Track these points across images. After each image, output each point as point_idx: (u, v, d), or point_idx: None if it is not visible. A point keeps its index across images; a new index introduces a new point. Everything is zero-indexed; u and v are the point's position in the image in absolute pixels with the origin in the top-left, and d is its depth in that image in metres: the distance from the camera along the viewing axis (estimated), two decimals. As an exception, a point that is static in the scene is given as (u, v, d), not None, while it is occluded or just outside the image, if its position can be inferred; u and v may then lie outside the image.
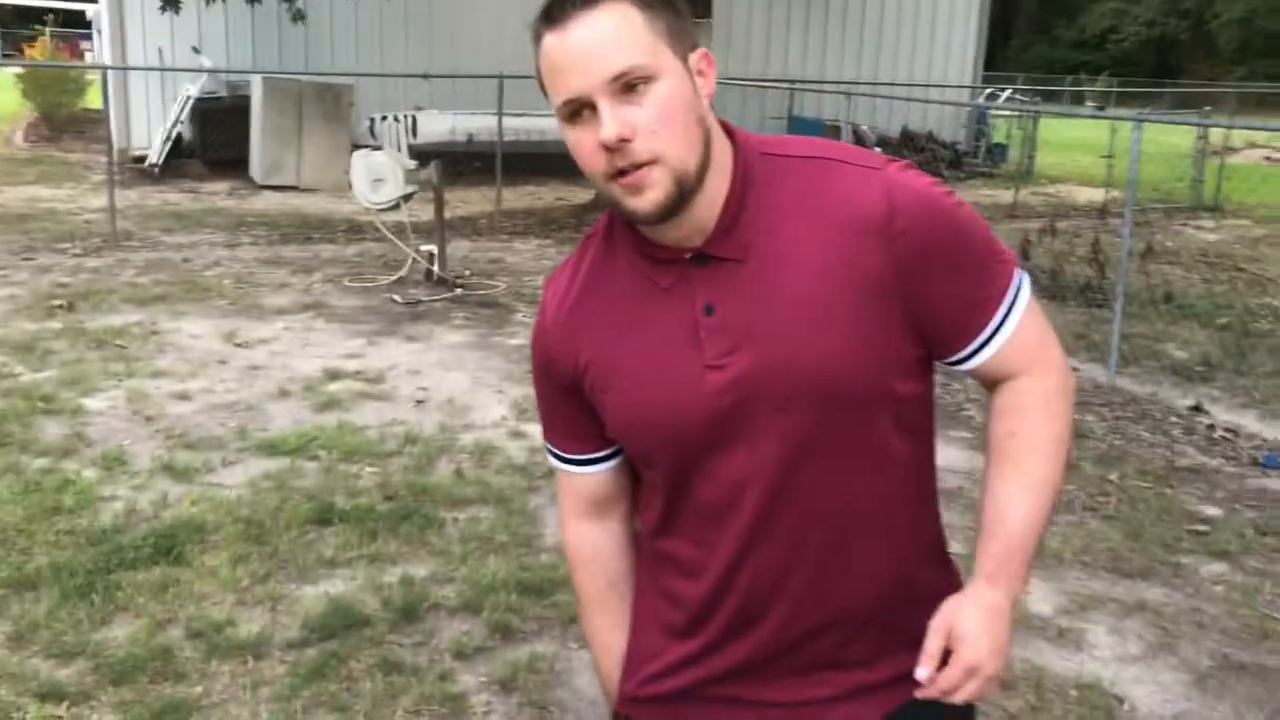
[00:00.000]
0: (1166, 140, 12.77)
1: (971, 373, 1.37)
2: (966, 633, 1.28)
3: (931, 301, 1.29)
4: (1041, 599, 3.83)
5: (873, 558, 1.37)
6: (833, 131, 12.89)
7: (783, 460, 1.30)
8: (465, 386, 5.97)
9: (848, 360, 1.27)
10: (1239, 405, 6.14)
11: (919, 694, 1.29)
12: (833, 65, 17.40)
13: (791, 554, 1.34)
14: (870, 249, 1.26)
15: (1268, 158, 20.26)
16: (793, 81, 15.18)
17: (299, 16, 12.26)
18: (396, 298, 7.95)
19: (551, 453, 1.51)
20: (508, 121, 11.91)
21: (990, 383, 1.39)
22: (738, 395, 1.28)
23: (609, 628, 1.54)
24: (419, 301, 7.88)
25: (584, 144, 1.23)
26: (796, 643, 1.38)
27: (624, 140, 1.19)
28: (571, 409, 1.42)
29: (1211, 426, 5.73)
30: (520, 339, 6.96)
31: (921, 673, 1.28)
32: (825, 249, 1.26)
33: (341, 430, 5.17)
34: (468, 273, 8.84)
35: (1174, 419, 5.86)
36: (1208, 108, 20.07)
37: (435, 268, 8.40)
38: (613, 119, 1.19)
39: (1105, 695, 3.28)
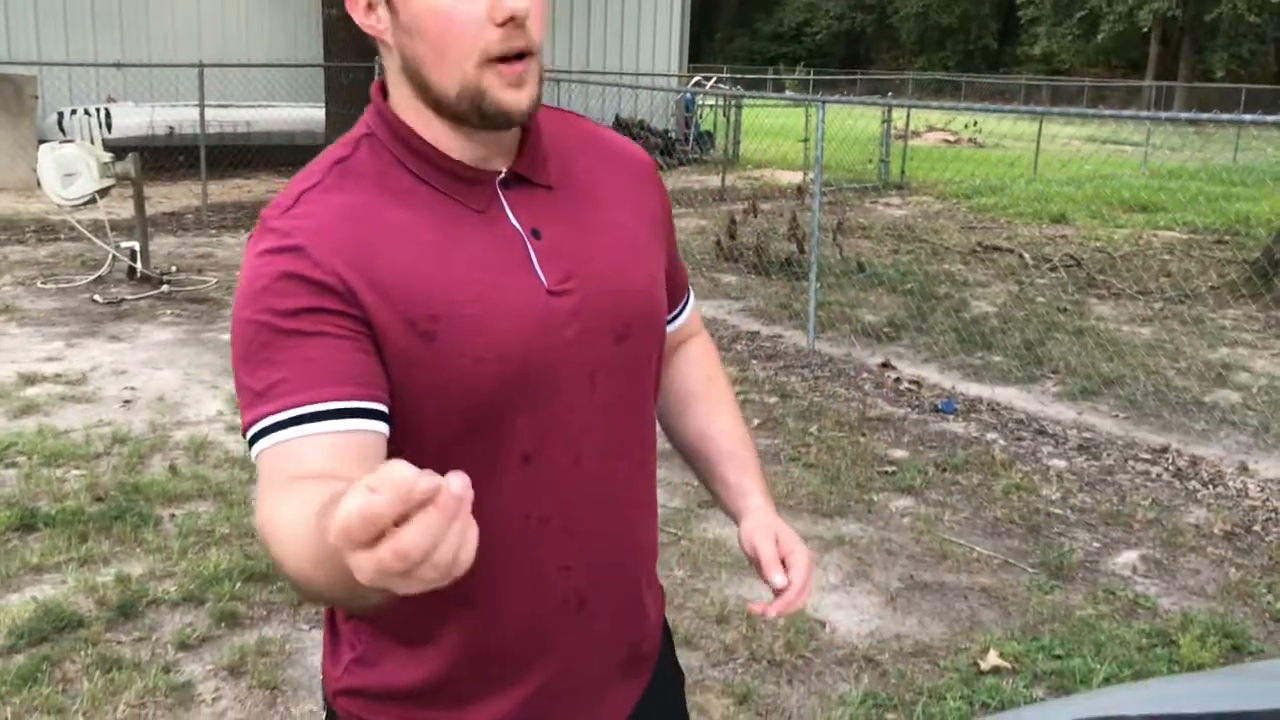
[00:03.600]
0: (856, 126, 13.71)
1: (672, 331, 1.42)
2: (792, 541, 1.32)
3: (667, 254, 1.35)
4: (752, 543, 4.12)
5: (650, 518, 1.36)
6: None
7: (618, 400, 1.23)
8: (177, 384, 5.75)
9: (658, 290, 1.29)
10: (921, 360, 6.76)
11: (775, 607, 1.27)
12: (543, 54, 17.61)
13: (616, 512, 1.28)
14: (650, 194, 1.32)
15: (945, 140, 22.09)
16: (506, 71, 15.26)
17: (-33, 1, 11.30)
18: (97, 297, 7.51)
19: (287, 420, 1.04)
20: (211, 113, 11.44)
21: (676, 341, 1.44)
22: (583, 324, 1.18)
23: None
24: (122, 300, 7.48)
25: (464, 14, 1.07)
26: (607, 605, 1.30)
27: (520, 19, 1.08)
28: (345, 349, 1.08)
29: (898, 380, 6.29)
30: (235, 333, 6.74)
31: (779, 579, 1.27)
32: (619, 186, 1.28)
33: (42, 434, 4.88)
34: (174, 269, 8.45)
35: (866, 375, 6.39)
36: (890, 94, 21.68)
37: (138, 265, 7.98)
38: None
39: (809, 621, 3.58)
